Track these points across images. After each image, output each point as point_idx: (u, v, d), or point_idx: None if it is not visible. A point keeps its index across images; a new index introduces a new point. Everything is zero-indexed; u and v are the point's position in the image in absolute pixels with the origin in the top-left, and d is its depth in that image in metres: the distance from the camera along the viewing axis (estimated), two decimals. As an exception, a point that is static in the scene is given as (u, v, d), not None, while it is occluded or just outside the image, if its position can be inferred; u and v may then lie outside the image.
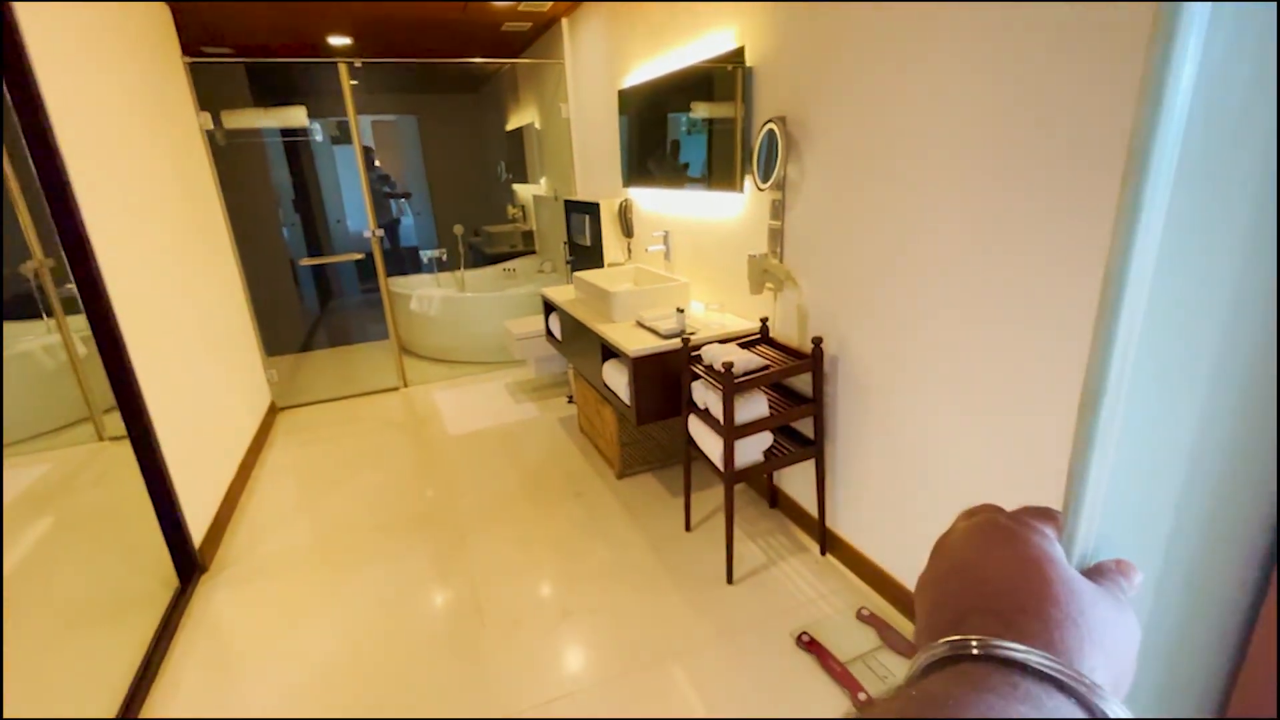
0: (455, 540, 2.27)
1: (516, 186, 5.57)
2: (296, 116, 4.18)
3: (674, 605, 1.88)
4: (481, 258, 5.59)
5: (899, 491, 1.74)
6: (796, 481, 2.22)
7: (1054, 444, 1.28)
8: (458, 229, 5.01)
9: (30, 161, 1.65)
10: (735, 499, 2.37)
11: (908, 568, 1.76)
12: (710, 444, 1.90)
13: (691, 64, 2.31)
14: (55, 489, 2.86)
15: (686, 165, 2.49)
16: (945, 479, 1.57)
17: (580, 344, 2.64)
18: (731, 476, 1.83)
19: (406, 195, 7.29)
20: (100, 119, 1.98)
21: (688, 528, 2.24)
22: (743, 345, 2.06)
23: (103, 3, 2.15)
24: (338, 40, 4.05)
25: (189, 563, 2.08)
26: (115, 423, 3.40)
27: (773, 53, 1.91)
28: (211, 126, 3.12)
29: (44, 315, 3.22)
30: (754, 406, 1.83)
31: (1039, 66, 1.18)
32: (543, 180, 4.74)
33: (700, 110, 2.34)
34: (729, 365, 1.72)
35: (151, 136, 2.42)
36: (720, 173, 2.24)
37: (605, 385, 2.38)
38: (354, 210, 7.26)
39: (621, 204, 3.21)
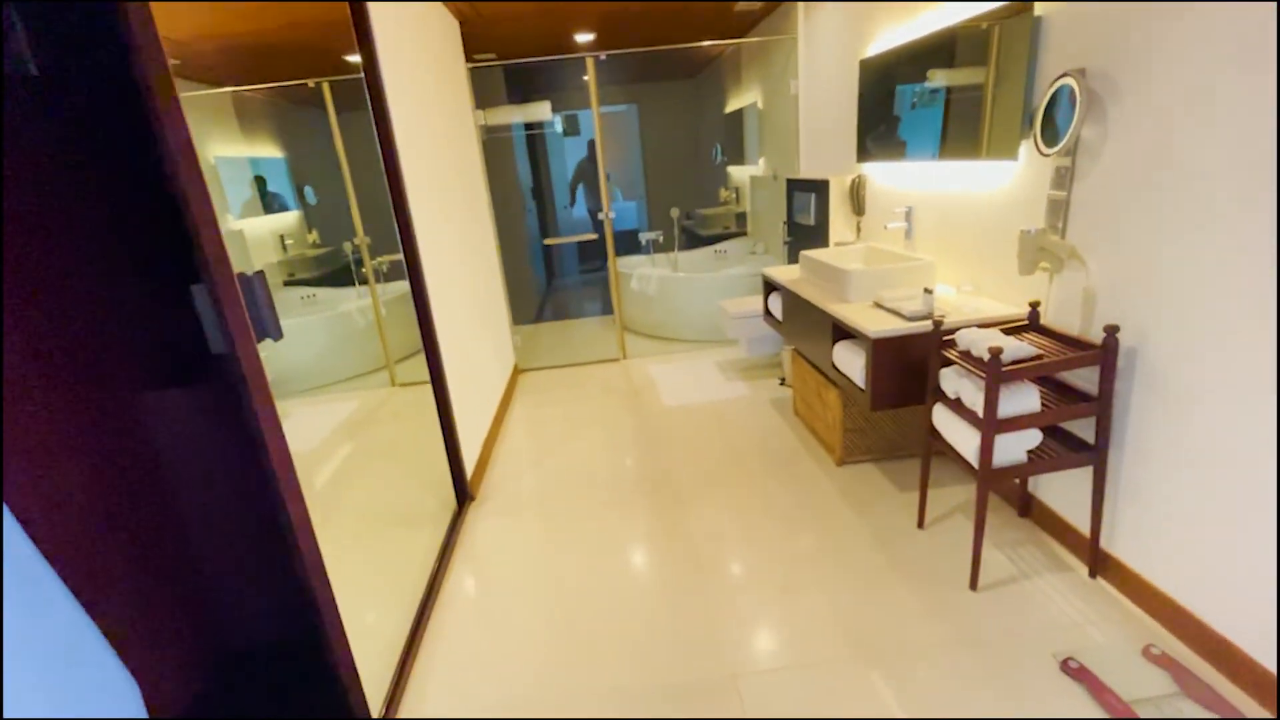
0: (675, 502, 2.39)
1: (731, 169, 5.60)
2: (542, 110, 4.65)
3: (903, 602, 1.78)
4: (694, 240, 5.74)
5: (1215, 522, 1.43)
6: (1057, 490, 1.95)
7: None
8: (674, 212, 5.19)
9: (380, 157, 2.05)
10: (971, 502, 2.17)
11: (1225, 610, 1.45)
12: (961, 437, 1.75)
13: (961, 20, 2.10)
14: (363, 421, 3.57)
15: (940, 135, 2.28)
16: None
17: (804, 324, 2.59)
18: (988, 474, 1.66)
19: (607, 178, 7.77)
20: (417, 118, 2.39)
21: (920, 524, 2.10)
22: (1007, 332, 1.85)
23: (420, 3, 2.58)
24: (583, 37, 4.40)
25: (462, 491, 2.47)
26: (404, 372, 4.11)
27: (1074, -4, 1.66)
28: (486, 124, 3.60)
29: (355, 284, 4.01)
30: (1022, 399, 1.64)
31: None
32: (760, 161, 4.69)
33: (966, 72, 2.12)
34: (997, 351, 1.56)
35: (448, 133, 2.87)
36: (990, 139, 2.02)
37: (835, 367, 2.30)
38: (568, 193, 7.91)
39: (854, 180, 3.06)
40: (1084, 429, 1.77)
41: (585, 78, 3.78)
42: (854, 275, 2.28)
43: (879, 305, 2.20)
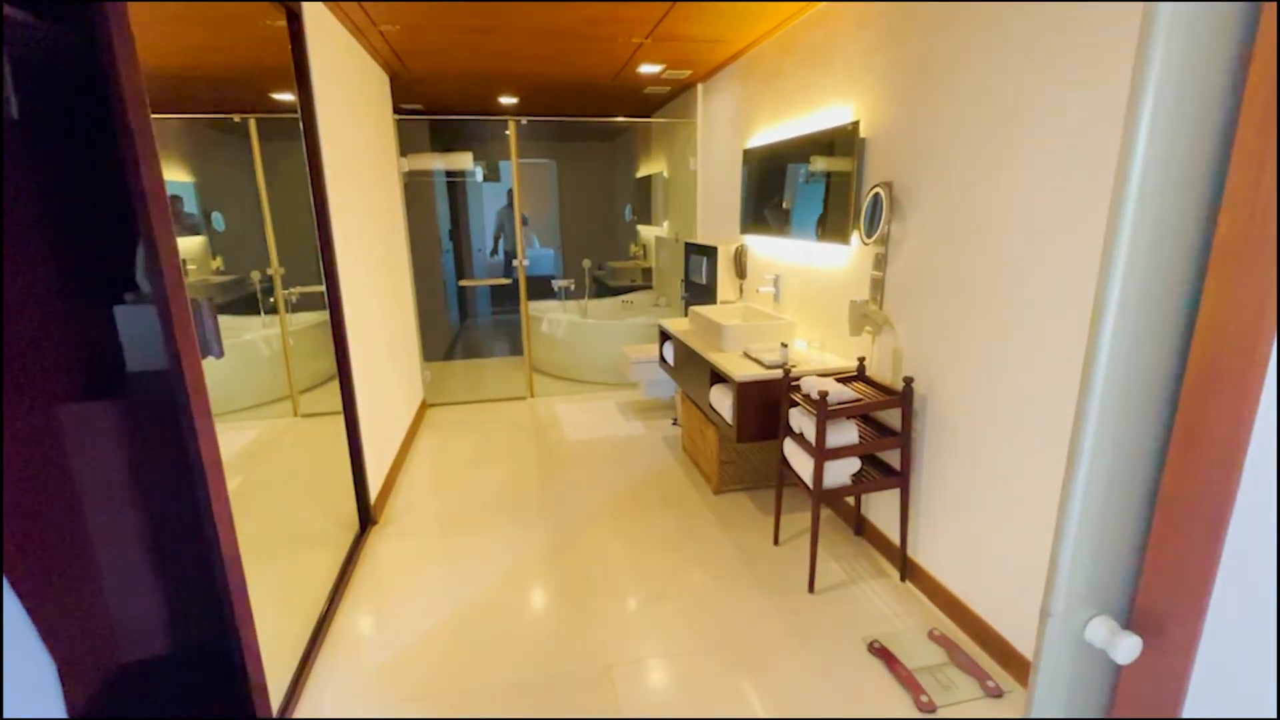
0: (570, 526, 2.64)
1: (640, 227, 6.09)
2: (464, 160, 4.94)
3: (756, 603, 2.11)
4: (603, 289, 6.13)
5: (978, 527, 1.89)
6: (882, 512, 2.38)
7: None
8: (586, 263, 5.57)
9: (310, 190, 2.26)
10: (822, 525, 2.57)
11: (983, 599, 1.89)
12: (802, 465, 2.14)
13: (811, 131, 2.63)
14: (264, 449, 3.57)
15: (802, 219, 2.79)
16: (1024, 520, 1.72)
17: (691, 370, 2.97)
18: (819, 494, 2.06)
19: (524, 222, 8.12)
20: (346, 158, 2.61)
21: (775, 542, 2.47)
22: (840, 380, 2.29)
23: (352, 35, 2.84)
24: (506, 100, 4.77)
25: (365, 515, 2.59)
26: (308, 403, 4.11)
27: (886, 126, 2.19)
28: (409, 169, 3.84)
29: (261, 313, 4.03)
30: (845, 434, 2.06)
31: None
32: (665, 223, 5.19)
33: (815, 172, 2.64)
34: (824, 394, 1.98)
35: (373, 175, 3.09)
36: (831, 227, 2.52)
37: (711, 407, 2.68)
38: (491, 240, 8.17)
39: (738, 248, 3.55)
40: (894, 459, 2.22)
41: (507, 133, 4.12)
42: (728, 329, 2.70)
43: (746, 355, 2.61)
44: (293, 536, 2.64)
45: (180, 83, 3.11)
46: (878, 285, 2.29)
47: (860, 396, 2.12)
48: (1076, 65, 1.46)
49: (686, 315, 4.21)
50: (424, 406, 4.15)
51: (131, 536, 1.69)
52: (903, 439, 2.10)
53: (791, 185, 2.87)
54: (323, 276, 2.35)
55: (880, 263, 2.26)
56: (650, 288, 5.73)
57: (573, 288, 5.57)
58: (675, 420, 3.86)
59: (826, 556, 2.37)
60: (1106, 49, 1.38)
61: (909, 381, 2.05)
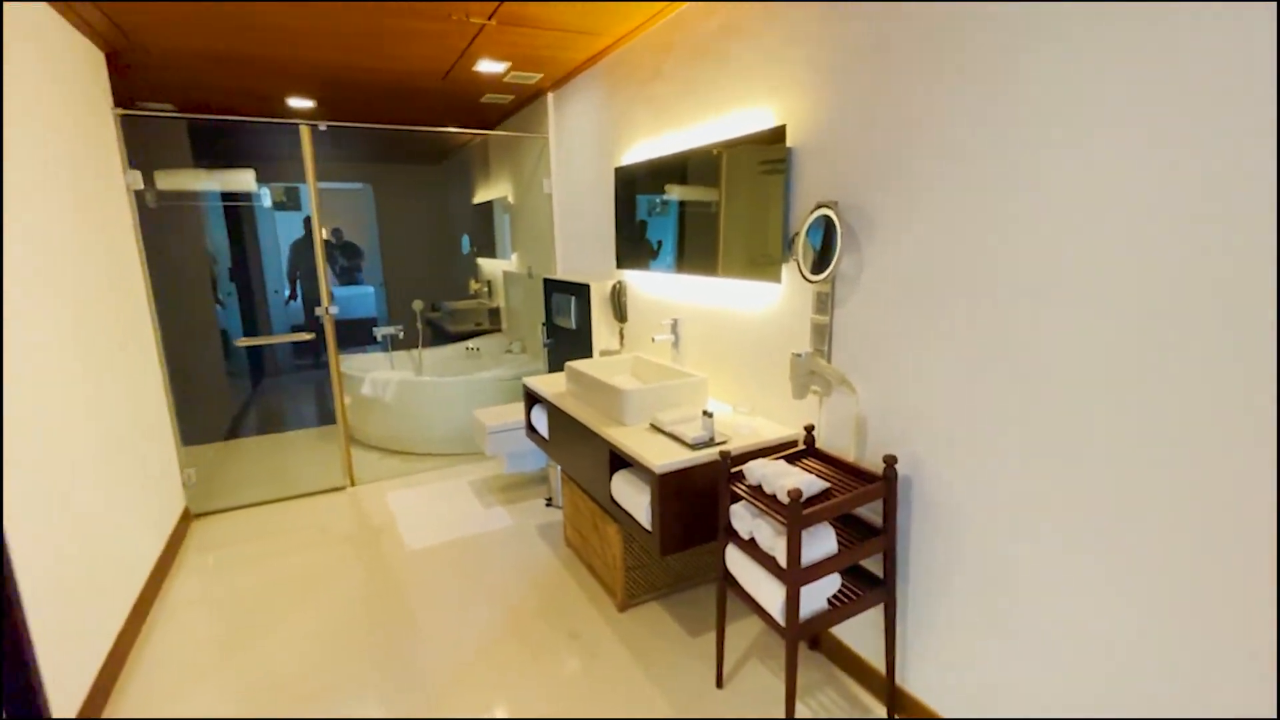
0: (430, 702, 1.77)
1: (482, 261, 5.26)
2: (245, 180, 3.80)
3: (722, 805, 1.45)
4: (441, 335, 5.18)
5: (997, 646, 1.41)
6: (846, 624, 1.86)
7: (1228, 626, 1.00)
8: (417, 304, 4.61)
9: None
10: (764, 638, 2.00)
11: (1015, 748, 1.41)
12: (762, 588, 1.54)
13: (711, 142, 2.11)
14: None
15: (704, 251, 2.25)
16: (1066, 633, 1.26)
17: (577, 446, 2.26)
18: (795, 634, 1.46)
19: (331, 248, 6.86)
20: (8, 173, 1.55)
21: (719, 684, 1.83)
22: (789, 459, 1.74)
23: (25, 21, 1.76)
24: (299, 102, 3.74)
25: (45, 766, 1.49)
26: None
27: (822, 131, 1.71)
28: (141, 186, 2.69)
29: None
30: (821, 543, 1.50)
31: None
32: (514, 255, 4.45)
33: (725, 193, 2.11)
34: (797, 495, 1.40)
35: (65, 195, 1.98)
36: (754, 262, 2.00)
37: (614, 501, 1.99)
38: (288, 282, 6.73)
39: (614, 286, 2.94)
40: (872, 562, 1.71)
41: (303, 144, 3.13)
42: (630, 395, 2.04)
43: (657, 429, 1.98)
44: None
45: None
46: (822, 333, 1.79)
47: (829, 484, 1.58)
48: (1112, 39, 1.05)
49: (554, 367, 3.50)
50: (187, 518, 2.93)
51: None
52: (887, 539, 1.59)
53: (692, 209, 2.32)
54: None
55: (824, 305, 1.77)
56: (499, 330, 4.91)
57: (401, 335, 4.56)
58: (550, 500, 3.10)
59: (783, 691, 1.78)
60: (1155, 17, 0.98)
61: (891, 462, 1.55)
